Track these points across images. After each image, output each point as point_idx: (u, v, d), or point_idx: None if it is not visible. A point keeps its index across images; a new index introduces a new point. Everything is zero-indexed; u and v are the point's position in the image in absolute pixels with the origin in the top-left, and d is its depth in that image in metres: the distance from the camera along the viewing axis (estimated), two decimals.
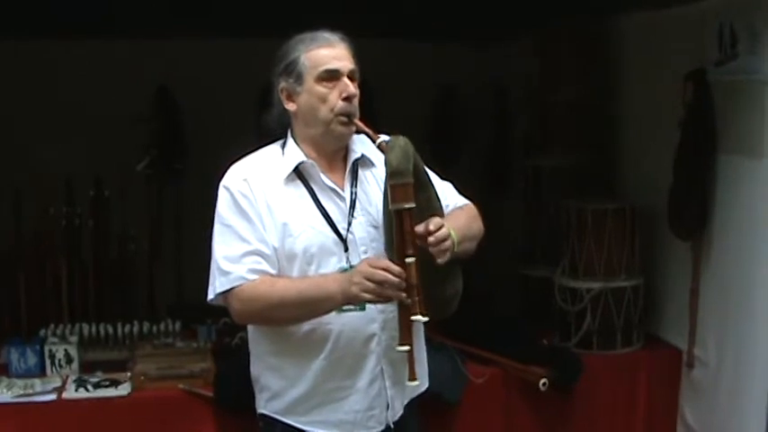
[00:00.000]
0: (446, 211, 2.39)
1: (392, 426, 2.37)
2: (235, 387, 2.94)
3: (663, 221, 3.51)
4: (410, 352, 2.16)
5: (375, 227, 2.34)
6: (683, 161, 3.33)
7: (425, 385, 2.51)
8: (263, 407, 2.42)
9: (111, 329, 3.68)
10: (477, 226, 2.44)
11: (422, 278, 2.15)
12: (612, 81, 3.97)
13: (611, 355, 3.57)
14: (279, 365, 2.36)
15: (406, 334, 2.16)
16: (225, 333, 3.60)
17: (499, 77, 4.84)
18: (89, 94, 4.43)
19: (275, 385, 2.38)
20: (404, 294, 2.13)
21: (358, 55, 2.33)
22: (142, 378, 3.29)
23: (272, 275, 2.27)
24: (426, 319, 2.15)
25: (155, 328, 3.71)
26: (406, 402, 2.44)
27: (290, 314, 2.25)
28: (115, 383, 3.31)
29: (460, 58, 4.81)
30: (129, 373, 3.34)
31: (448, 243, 2.18)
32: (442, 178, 2.50)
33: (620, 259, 3.58)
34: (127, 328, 3.69)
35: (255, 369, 2.45)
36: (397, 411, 2.41)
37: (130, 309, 4.02)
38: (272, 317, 2.27)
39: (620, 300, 3.56)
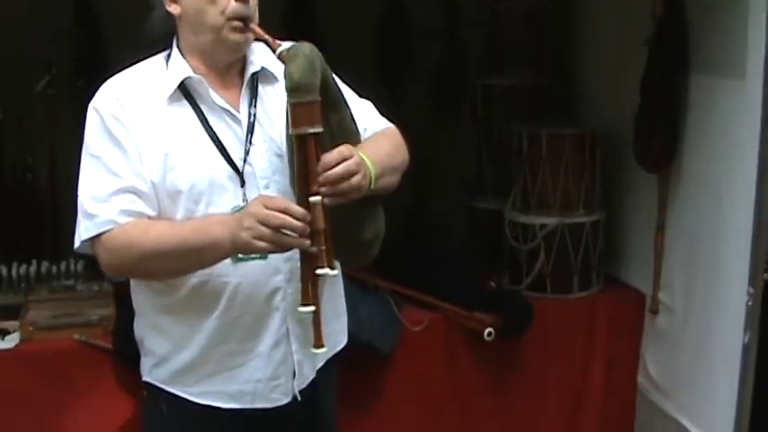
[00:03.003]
0: (363, 136, 1.99)
1: (299, 397, 1.98)
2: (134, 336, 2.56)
3: (626, 150, 3.13)
4: (316, 313, 1.76)
5: (279, 155, 1.92)
6: (651, 82, 2.94)
7: (343, 342, 2.14)
8: (148, 374, 2.03)
9: (4, 270, 3.24)
10: (401, 155, 2.03)
11: (332, 220, 1.74)
12: None
13: (566, 300, 3.22)
14: (164, 325, 1.97)
15: (310, 291, 1.75)
16: None
17: None
18: None
19: (160, 349, 1.99)
20: (307, 242, 1.71)
21: None
22: (31, 328, 2.88)
23: (149, 218, 1.86)
24: (335, 272, 1.74)
25: (54, 268, 3.29)
26: (319, 366, 2.05)
27: (170, 266, 1.83)
28: (3, 334, 2.90)
29: None
30: (18, 322, 2.92)
31: (359, 178, 1.77)
32: (359, 95, 2.07)
33: (578, 192, 3.20)
34: (23, 269, 3.25)
35: (139, 329, 2.05)
36: (307, 378, 2.02)
37: (33, 247, 3.58)
38: (148, 269, 1.86)
39: (578, 238, 3.20)
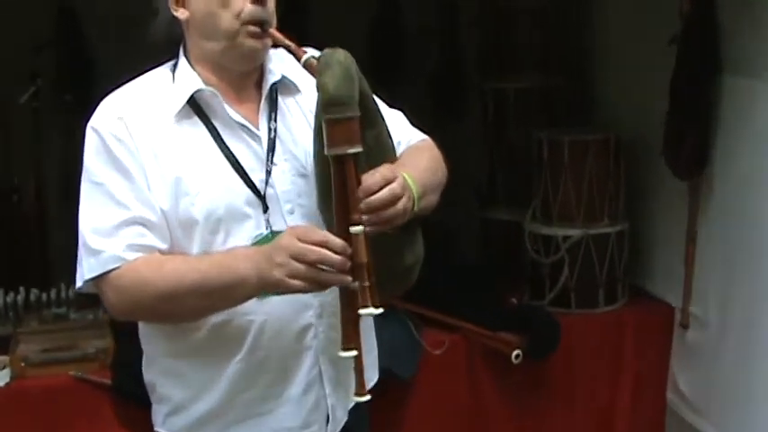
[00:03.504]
0: (398, 150, 1.78)
1: None
2: (138, 371, 2.33)
3: (651, 156, 2.98)
4: (358, 357, 1.55)
5: (304, 175, 1.72)
6: (680, 84, 2.78)
7: (375, 379, 1.93)
8: (162, 424, 1.81)
9: None
10: (441, 170, 1.83)
11: (373, 250, 1.53)
12: None
13: (592, 315, 3.07)
14: (180, 370, 1.75)
15: (351, 333, 1.54)
16: None
17: None
18: None
19: (177, 396, 1.77)
20: (349, 278, 1.51)
21: None
22: (23, 364, 2.68)
23: (160, 252, 1.64)
24: (380, 311, 1.53)
25: (44, 295, 3.07)
26: (351, 406, 1.84)
27: (187, 308, 1.62)
28: None
29: None
30: (8, 358, 2.72)
31: (404, 202, 1.57)
32: (388, 105, 1.87)
33: (602, 201, 3.03)
34: (10, 297, 3.04)
35: (149, 374, 1.83)
36: (340, 422, 1.81)
37: (20, 273, 3.36)
38: (163, 312, 1.64)
39: (604, 249, 3.04)
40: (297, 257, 1.48)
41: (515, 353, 2.73)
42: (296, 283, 1.50)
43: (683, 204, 2.92)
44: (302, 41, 1.67)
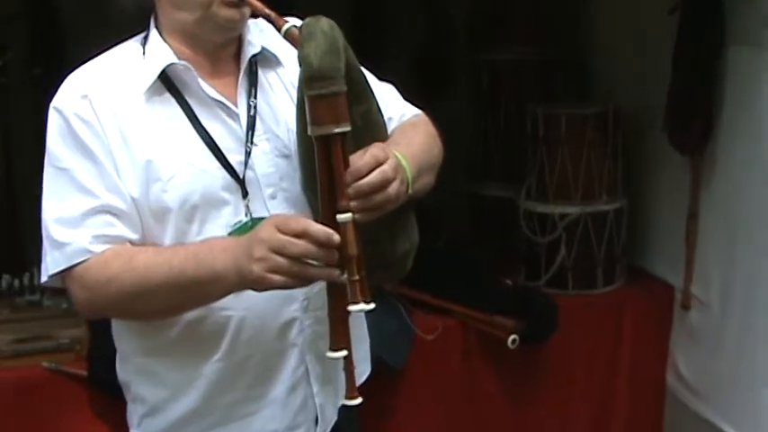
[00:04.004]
0: (389, 126, 1.65)
1: None
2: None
3: (651, 130, 2.87)
4: (348, 358, 1.42)
5: (287, 156, 1.59)
6: (683, 55, 2.65)
7: (367, 372, 1.82)
8: (137, 425, 1.68)
9: None
10: (437, 148, 1.70)
11: (363, 238, 1.40)
12: None
13: (590, 296, 2.95)
14: (154, 369, 1.62)
15: (340, 331, 1.41)
16: None
17: None
18: None
19: (152, 396, 1.64)
20: (337, 272, 1.38)
21: None
22: None
23: (130, 243, 1.51)
24: (372, 306, 1.40)
25: (16, 282, 2.93)
26: (340, 404, 1.72)
27: (160, 305, 1.48)
28: None
29: None
30: None
31: (396, 185, 1.43)
32: (378, 78, 1.73)
33: (600, 177, 2.89)
34: None
35: (124, 372, 1.70)
36: (330, 421, 1.69)
37: None
38: (133, 309, 1.51)
39: (602, 227, 2.90)
40: (278, 250, 1.35)
41: (512, 338, 2.60)
42: (278, 278, 1.36)
43: (685, 180, 2.79)
44: (284, 12, 1.53)
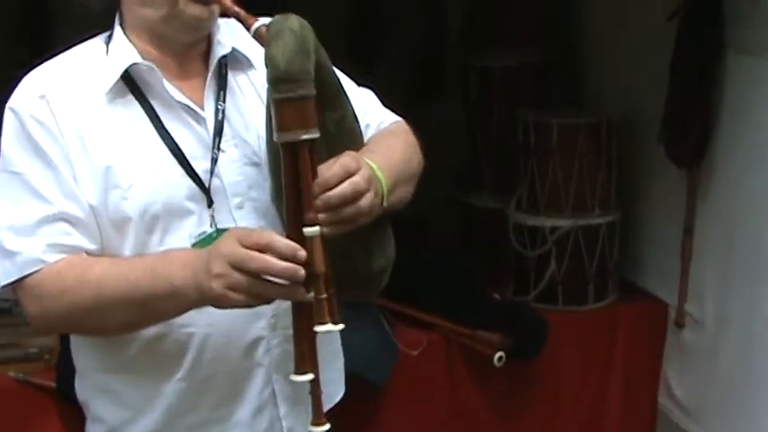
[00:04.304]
0: (366, 135, 1.56)
1: None
2: None
3: (646, 141, 2.80)
4: (315, 381, 1.33)
5: (256, 164, 1.50)
6: (681, 64, 2.59)
7: (340, 393, 1.72)
8: None
9: None
10: (416, 158, 1.61)
11: (332, 250, 1.31)
12: None
13: (580, 312, 2.88)
14: (113, 387, 1.53)
15: (306, 353, 1.31)
16: None
17: None
18: None
19: (111, 417, 1.55)
20: (302, 290, 1.28)
21: None
22: None
23: (87, 253, 1.42)
24: (340, 327, 1.30)
25: None
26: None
27: (116, 321, 1.39)
28: None
29: None
30: None
31: (369, 197, 1.34)
32: (358, 83, 1.65)
33: (592, 189, 2.83)
34: None
35: (82, 391, 1.62)
36: None
37: None
38: (88, 324, 1.42)
39: (593, 241, 2.84)
40: (237, 266, 1.25)
41: (498, 355, 2.53)
42: (237, 297, 1.27)
43: (681, 193, 2.74)
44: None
